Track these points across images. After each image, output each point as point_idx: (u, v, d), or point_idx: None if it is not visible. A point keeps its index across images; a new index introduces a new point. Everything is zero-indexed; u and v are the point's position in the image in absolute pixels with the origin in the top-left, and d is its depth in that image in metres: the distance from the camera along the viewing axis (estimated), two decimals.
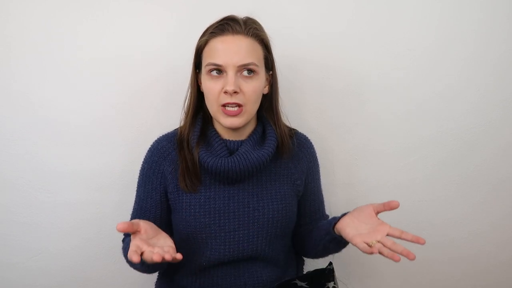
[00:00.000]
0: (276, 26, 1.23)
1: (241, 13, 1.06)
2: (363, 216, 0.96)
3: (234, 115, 0.99)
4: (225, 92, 0.98)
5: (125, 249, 1.05)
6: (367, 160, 1.39)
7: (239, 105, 0.99)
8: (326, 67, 1.34)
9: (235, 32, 0.99)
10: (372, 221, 0.94)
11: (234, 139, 1.07)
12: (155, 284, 1.19)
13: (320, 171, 1.26)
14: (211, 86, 1.00)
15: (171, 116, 1.20)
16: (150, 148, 1.12)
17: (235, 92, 0.97)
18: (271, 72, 1.08)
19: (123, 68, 1.27)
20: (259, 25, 1.05)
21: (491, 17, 1.34)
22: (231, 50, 0.98)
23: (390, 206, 0.94)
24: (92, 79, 1.27)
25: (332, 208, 1.33)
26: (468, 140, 1.40)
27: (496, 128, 1.40)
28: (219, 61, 0.98)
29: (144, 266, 0.96)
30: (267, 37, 1.05)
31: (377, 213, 0.96)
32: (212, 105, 1.01)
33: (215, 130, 1.07)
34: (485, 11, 1.34)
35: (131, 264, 1.09)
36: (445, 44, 1.35)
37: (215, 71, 0.99)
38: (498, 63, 1.37)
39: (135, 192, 1.14)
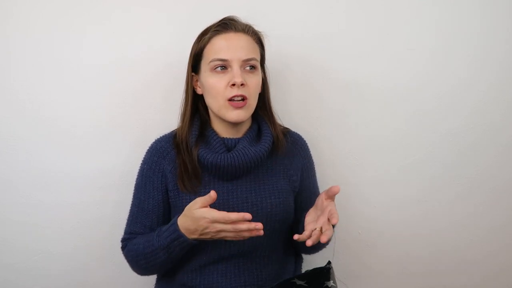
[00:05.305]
0: (275, 26, 1.24)
1: (239, 14, 1.09)
2: (319, 203, 0.98)
3: (241, 106, 1.02)
4: (232, 85, 1.01)
5: (138, 255, 1.06)
6: (367, 160, 1.38)
7: (243, 98, 1.02)
8: (326, 67, 1.34)
9: (237, 30, 1.06)
10: (323, 207, 0.96)
11: (231, 137, 1.09)
12: (155, 284, 1.19)
13: (320, 171, 1.27)
14: (216, 82, 1.03)
15: (171, 116, 1.20)
16: (148, 149, 1.14)
17: (242, 85, 1.01)
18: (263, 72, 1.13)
19: (123, 68, 1.28)
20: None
21: (492, 16, 1.34)
22: (235, 46, 1.03)
23: (332, 192, 0.95)
24: (92, 79, 1.27)
25: None
26: (469, 141, 1.39)
27: (497, 128, 1.39)
28: (224, 56, 1.02)
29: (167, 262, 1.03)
30: (263, 38, 1.11)
31: (328, 198, 0.97)
32: (218, 100, 1.04)
33: (213, 129, 1.09)
34: (486, 11, 1.34)
35: (138, 268, 1.10)
36: (446, 44, 1.35)
37: (219, 67, 1.03)
38: (500, 63, 1.36)
39: (132, 195, 1.15)
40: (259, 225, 0.91)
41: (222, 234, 0.95)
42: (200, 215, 0.94)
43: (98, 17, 1.26)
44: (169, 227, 1.01)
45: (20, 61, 1.24)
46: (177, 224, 0.99)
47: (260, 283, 1.07)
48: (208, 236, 0.96)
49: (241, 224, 0.92)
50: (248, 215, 0.91)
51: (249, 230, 0.92)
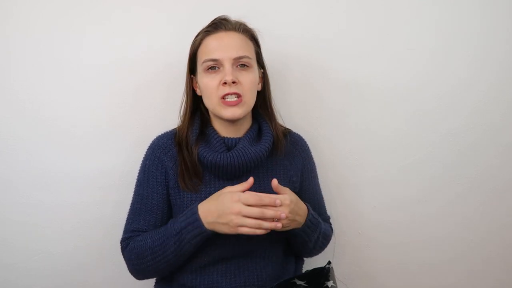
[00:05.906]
0: (275, 26, 1.24)
1: (239, 14, 1.09)
2: None
3: (234, 105, 1.03)
4: (224, 84, 1.02)
5: (145, 250, 1.03)
6: (367, 160, 1.38)
7: (238, 95, 1.03)
8: (326, 67, 1.34)
9: (227, 29, 1.06)
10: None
11: (232, 136, 1.09)
12: (155, 284, 1.19)
13: (320, 171, 1.27)
14: (208, 81, 1.04)
15: (171, 116, 1.20)
16: (150, 145, 1.14)
17: (233, 83, 1.02)
18: (262, 70, 1.13)
19: (123, 68, 1.28)
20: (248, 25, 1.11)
21: (492, 16, 1.35)
22: (226, 45, 1.04)
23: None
24: (92, 79, 1.27)
25: (332, 208, 1.33)
26: (469, 141, 1.40)
27: (497, 128, 1.40)
28: (215, 55, 1.03)
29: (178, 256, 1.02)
30: (256, 34, 1.11)
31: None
32: (212, 99, 1.05)
33: (213, 128, 1.10)
34: (486, 11, 1.34)
35: (140, 268, 1.07)
36: (446, 44, 1.35)
37: (211, 67, 1.04)
38: (500, 63, 1.37)
39: (133, 192, 1.14)
40: (283, 215, 0.94)
41: (242, 221, 0.93)
42: (228, 190, 0.97)
43: (98, 17, 1.26)
44: (187, 212, 1.01)
45: (20, 61, 1.24)
46: (196, 208, 0.99)
47: (260, 283, 1.06)
48: (225, 223, 0.94)
49: (268, 209, 0.94)
50: (278, 201, 0.95)
51: (273, 219, 0.94)
